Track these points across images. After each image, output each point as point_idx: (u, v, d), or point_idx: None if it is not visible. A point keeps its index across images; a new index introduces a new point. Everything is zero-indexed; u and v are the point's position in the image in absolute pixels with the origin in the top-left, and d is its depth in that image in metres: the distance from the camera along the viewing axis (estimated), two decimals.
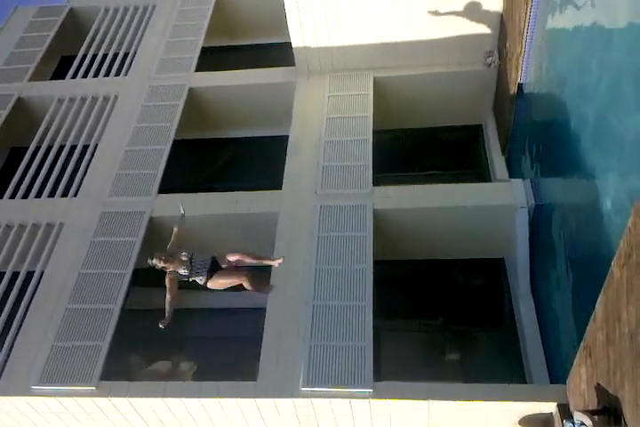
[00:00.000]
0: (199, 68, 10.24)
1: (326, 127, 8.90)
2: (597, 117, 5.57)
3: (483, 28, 8.89)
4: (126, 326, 7.30)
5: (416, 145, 10.15)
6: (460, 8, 8.70)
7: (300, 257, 7.42)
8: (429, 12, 8.76)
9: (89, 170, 8.99)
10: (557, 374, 6.77)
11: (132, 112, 9.64)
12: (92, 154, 9.23)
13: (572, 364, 5.34)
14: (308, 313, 6.88)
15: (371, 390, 6.22)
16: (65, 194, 8.74)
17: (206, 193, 8.56)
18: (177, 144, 9.24)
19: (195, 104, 9.88)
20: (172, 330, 6.87)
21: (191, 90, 9.85)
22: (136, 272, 7.72)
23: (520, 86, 8.03)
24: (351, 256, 7.33)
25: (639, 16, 4.59)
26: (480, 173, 9.43)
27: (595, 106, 5.61)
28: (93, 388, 6.57)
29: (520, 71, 7.83)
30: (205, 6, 11.19)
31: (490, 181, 8.98)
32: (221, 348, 8.06)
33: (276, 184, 8.43)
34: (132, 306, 7.61)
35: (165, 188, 8.63)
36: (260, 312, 7.17)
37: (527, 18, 7.35)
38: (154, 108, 9.64)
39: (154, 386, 6.65)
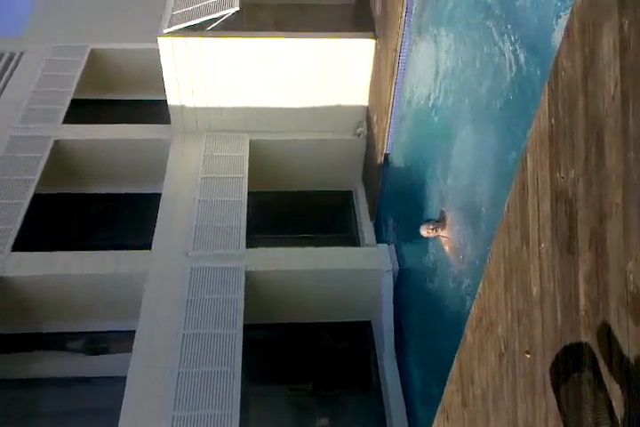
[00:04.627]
0: (69, 120, 9.87)
1: (200, 187, 8.85)
2: (441, 189, 6.08)
3: (354, 100, 9.47)
4: None
5: (290, 208, 10.35)
6: (334, 80, 9.24)
7: (167, 321, 7.12)
8: (304, 82, 9.21)
9: None
10: None
11: None
12: None
13: None
14: (172, 381, 6.53)
15: None
16: None
17: (67, 252, 8.06)
18: (39, 199, 8.70)
19: (61, 157, 9.43)
20: (18, 403, 6.21)
21: (57, 142, 9.42)
22: None
23: (386, 156, 8.57)
24: (221, 320, 7.16)
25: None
26: (350, 238, 9.77)
27: (438, 177, 6.15)
28: None
29: (386, 142, 8.37)
30: (78, 58, 10.91)
31: (359, 245, 9.32)
32: (75, 422, 7.39)
33: (146, 244, 8.15)
34: None
35: (23, 245, 8.02)
36: (119, 381, 6.70)
37: (392, 93, 7.94)
38: (14, 159, 9.06)
39: None
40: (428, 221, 6.08)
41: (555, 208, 3.06)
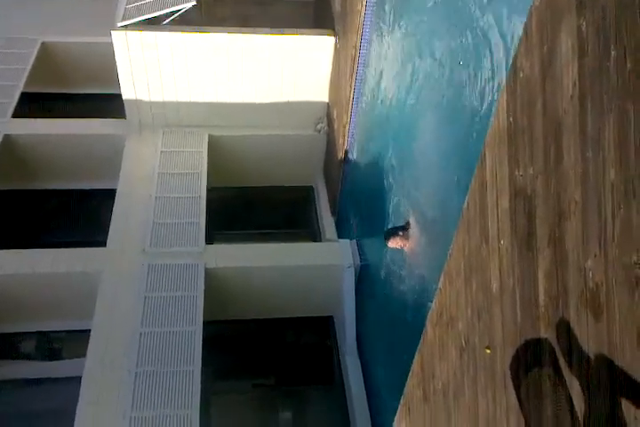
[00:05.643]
0: (19, 114, 9.52)
1: (158, 183, 8.67)
2: (401, 185, 6.12)
3: (314, 96, 9.43)
4: None
5: (250, 203, 10.26)
6: (294, 76, 9.18)
7: (124, 320, 6.96)
8: (264, 77, 9.11)
9: None
10: None
11: None
12: None
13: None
14: (129, 382, 6.39)
15: None
16: None
17: (19, 250, 7.79)
18: None
19: (10, 152, 9.09)
20: None
21: (7, 137, 9.07)
22: None
23: (347, 152, 8.57)
24: (180, 318, 7.03)
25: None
26: (312, 233, 9.75)
27: (399, 173, 6.18)
28: None
29: (346, 138, 8.37)
30: (28, 50, 10.51)
31: (320, 240, 9.31)
32: (27, 425, 7.16)
33: (101, 241, 7.94)
34: None
35: None
36: (74, 382, 6.53)
37: (352, 90, 7.94)
38: None
39: None
40: (395, 232, 5.76)
41: (513, 205, 3.09)
